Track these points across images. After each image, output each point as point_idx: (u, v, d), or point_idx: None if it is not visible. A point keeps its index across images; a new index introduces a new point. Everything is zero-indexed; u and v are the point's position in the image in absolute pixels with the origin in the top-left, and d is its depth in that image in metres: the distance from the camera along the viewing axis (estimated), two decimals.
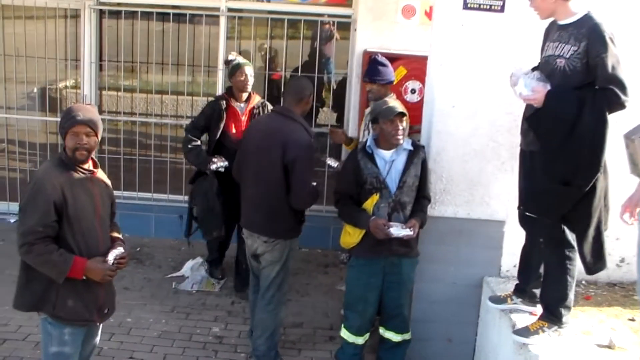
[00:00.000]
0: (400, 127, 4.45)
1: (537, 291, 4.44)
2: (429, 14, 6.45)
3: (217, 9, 7.34)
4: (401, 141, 4.50)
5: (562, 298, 4.14)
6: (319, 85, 7.21)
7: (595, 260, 4.02)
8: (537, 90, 3.90)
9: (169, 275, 6.57)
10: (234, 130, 5.90)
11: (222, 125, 5.88)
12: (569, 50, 3.85)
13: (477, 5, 4.69)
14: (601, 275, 5.12)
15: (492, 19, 4.69)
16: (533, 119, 4.08)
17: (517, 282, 4.64)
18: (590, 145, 3.79)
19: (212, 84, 7.68)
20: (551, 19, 4.08)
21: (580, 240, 4.00)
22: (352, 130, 7.02)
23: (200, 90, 7.70)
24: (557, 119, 3.85)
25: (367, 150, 4.56)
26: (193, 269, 6.59)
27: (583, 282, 5.14)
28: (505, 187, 4.80)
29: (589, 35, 3.77)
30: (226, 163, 5.66)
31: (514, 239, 4.74)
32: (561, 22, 3.97)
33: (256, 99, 6.05)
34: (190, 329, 5.54)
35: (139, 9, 7.35)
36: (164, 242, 7.36)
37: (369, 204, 4.49)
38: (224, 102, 5.94)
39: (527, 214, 4.24)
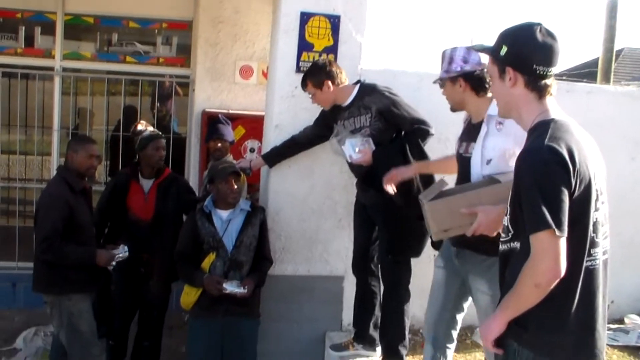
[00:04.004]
0: (236, 187, 4.51)
1: (376, 334, 4.60)
2: (266, 74, 6.58)
3: (52, 69, 7.12)
4: (237, 200, 4.55)
5: (401, 337, 4.33)
6: None
7: None
8: (363, 151, 4.16)
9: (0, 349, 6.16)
10: (135, 211, 5.15)
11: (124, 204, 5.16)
12: (366, 119, 4.23)
13: None
14: None
15: None
16: (368, 178, 4.30)
17: (356, 329, 4.76)
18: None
19: (47, 143, 7.40)
20: None
21: None
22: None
23: (34, 149, 7.40)
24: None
25: (205, 210, 4.57)
26: (27, 340, 6.21)
27: (420, 330, 5.34)
28: (343, 243, 4.94)
29: (373, 100, 4.22)
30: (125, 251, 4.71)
31: (353, 294, 4.85)
32: (345, 104, 4.38)
33: (167, 173, 5.25)
34: None
35: None
36: None
37: (206, 262, 4.49)
38: (125, 178, 5.22)
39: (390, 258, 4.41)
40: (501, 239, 2.64)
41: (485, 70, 3.35)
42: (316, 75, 4.38)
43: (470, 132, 3.49)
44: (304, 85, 4.47)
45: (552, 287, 2.39)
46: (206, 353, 4.56)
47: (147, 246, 5.02)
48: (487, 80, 3.34)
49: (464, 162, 3.48)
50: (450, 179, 3.61)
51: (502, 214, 3.04)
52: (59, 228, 4.39)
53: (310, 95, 4.46)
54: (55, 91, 7.15)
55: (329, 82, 4.36)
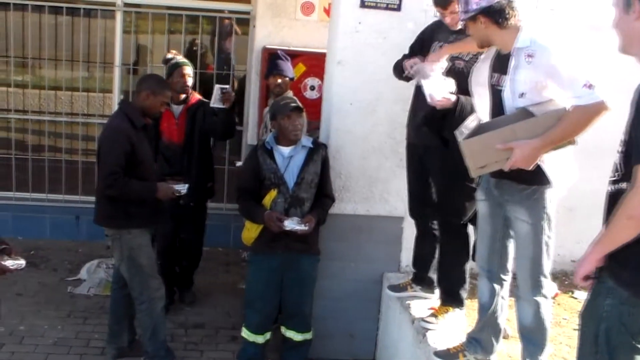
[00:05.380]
0: (298, 122, 4.47)
1: (435, 277, 4.57)
2: (327, 11, 6.45)
3: (113, 4, 7.13)
4: (299, 136, 4.51)
5: (461, 281, 4.29)
6: (219, 82, 7.12)
7: None
8: (448, 97, 3.89)
9: (66, 279, 6.33)
10: (167, 135, 5.54)
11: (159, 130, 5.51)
12: (467, 54, 3.99)
13: (375, 4, 4.71)
14: None
15: (388, 17, 4.73)
16: (433, 121, 4.13)
17: (415, 271, 4.74)
18: None
19: (108, 80, 7.46)
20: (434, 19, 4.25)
21: None
22: (252, 127, 6.97)
23: (96, 86, 7.47)
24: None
25: (267, 147, 4.56)
26: (90, 271, 6.39)
27: None
28: (403, 183, 4.82)
29: None
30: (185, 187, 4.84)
31: (413, 235, 4.79)
32: (456, 28, 4.07)
33: (195, 99, 5.63)
34: (88, 334, 5.36)
35: (30, 2, 7.04)
36: (59, 244, 7.08)
37: (268, 199, 4.50)
38: None
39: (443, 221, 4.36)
40: (610, 178, 2.54)
41: (502, 0, 3.26)
42: None
43: (502, 63, 3.39)
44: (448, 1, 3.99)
45: None
46: (265, 288, 4.60)
47: (179, 168, 5.43)
48: (507, 10, 3.27)
49: (496, 94, 3.42)
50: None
51: (538, 148, 3.10)
52: (123, 163, 4.44)
53: (445, 16, 4.06)
54: (117, 27, 7.16)
55: None
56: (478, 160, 3.26)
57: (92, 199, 4.90)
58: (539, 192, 3.33)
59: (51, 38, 7.34)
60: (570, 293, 5.12)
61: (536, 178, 3.29)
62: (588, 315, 2.60)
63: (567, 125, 3.06)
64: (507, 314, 3.86)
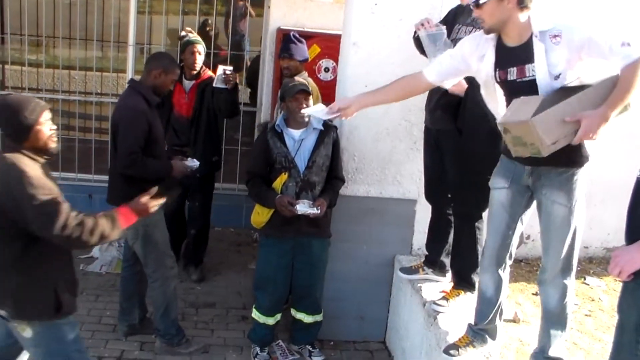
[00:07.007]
0: (305, 105, 4.42)
1: (447, 260, 4.57)
2: None
3: None
4: (306, 119, 4.48)
5: (473, 265, 4.27)
6: (232, 63, 7.11)
7: None
8: (459, 84, 3.87)
9: (78, 257, 6.36)
10: (177, 108, 5.83)
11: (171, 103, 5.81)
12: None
13: None
14: None
15: None
16: (449, 106, 4.13)
17: (427, 253, 4.74)
18: None
19: (122, 60, 7.46)
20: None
21: None
22: (265, 108, 6.96)
23: (110, 66, 7.48)
24: (478, 114, 3.89)
25: (277, 130, 4.52)
26: (102, 249, 6.41)
27: None
28: (417, 166, 4.83)
29: None
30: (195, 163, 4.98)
31: (425, 218, 4.80)
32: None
33: (206, 76, 5.80)
34: (100, 312, 5.40)
35: None
36: None
37: (278, 183, 4.47)
38: None
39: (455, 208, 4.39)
40: None
41: None
42: None
43: (511, 56, 3.28)
44: None
45: None
46: (276, 271, 4.61)
47: (186, 140, 5.78)
48: None
49: (519, 87, 3.27)
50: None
51: (604, 115, 2.99)
52: (142, 143, 4.44)
53: None
54: (131, 7, 7.13)
55: None
56: (550, 136, 3.07)
57: (106, 177, 4.90)
58: (576, 174, 3.31)
59: (65, 17, 7.35)
60: (582, 279, 5.11)
61: (575, 160, 3.27)
62: (628, 305, 2.56)
63: (625, 85, 2.99)
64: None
